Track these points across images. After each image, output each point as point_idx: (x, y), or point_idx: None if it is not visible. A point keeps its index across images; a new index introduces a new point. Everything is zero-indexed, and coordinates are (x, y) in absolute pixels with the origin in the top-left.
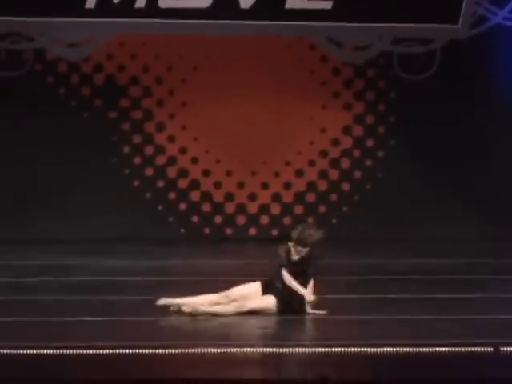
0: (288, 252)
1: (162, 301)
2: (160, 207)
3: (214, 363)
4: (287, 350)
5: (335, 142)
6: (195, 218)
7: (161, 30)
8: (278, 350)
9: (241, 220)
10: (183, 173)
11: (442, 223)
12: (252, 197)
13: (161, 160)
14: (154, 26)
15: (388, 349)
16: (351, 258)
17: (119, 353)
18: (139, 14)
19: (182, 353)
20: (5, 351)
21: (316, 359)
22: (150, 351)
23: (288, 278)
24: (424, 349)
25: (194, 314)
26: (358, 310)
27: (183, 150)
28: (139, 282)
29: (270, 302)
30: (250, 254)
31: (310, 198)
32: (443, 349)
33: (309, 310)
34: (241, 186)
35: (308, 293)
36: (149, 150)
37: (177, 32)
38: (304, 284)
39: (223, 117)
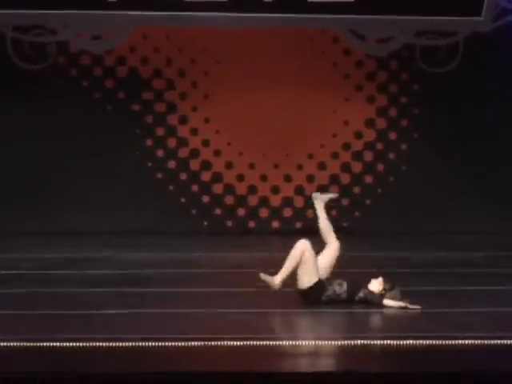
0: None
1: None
2: (183, 200)
3: (238, 356)
4: (312, 342)
5: (358, 135)
6: (218, 211)
7: (183, 23)
8: (302, 342)
9: (264, 213)
10: (206, 165)
11: (465, 216)
12: (275, 190)
13: (184, 152)
14: (176, 18)
15: (411, 341)
16: (374, 250)
17: (143, 345)
18: (162, 7)
19: (206, 345)
20: (29, 344)
21: (340, 352)
22: (174, 344)
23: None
24: (448, 341)
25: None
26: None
27: (206, 143)
28: (162, 275)
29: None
30: (273, 246)
31: (333, 190)
32: (467, 342)
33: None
34: (264, 178)
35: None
36: (172, 143)
37: (199, 25)
38: None
39: (246, 109)
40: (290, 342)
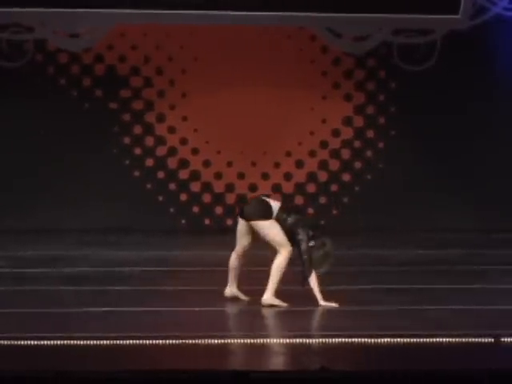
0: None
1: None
2: (160, 198)
3: (214, 354)
4: (289, 340)
5: (336, 133)
6: (196, 209)
7: (160, 20)
8: (279, 340)
9: None
10: (184, 163)
11: (442, 214)
12: (252, 187)
13: (161, 151)
14: (153, 16)
15: (388, 339)
16: (351, 248)
17: (121, 343)
18: (139, 4)
19: (183, 343)
20: (6, 342)
21: (317, 350)
22: (152, 342)
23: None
24: (424, 339)
25: None
26: (359, 300)
27: (184, 141)
28: (140, 273)
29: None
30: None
31: (311, 188)
32: (443, 339)
33: (321, 302)
34: (241, 176)
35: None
36: (149, 141)
37: (176, 22)
38: None
39: (223, 107)
40: (266, 340)
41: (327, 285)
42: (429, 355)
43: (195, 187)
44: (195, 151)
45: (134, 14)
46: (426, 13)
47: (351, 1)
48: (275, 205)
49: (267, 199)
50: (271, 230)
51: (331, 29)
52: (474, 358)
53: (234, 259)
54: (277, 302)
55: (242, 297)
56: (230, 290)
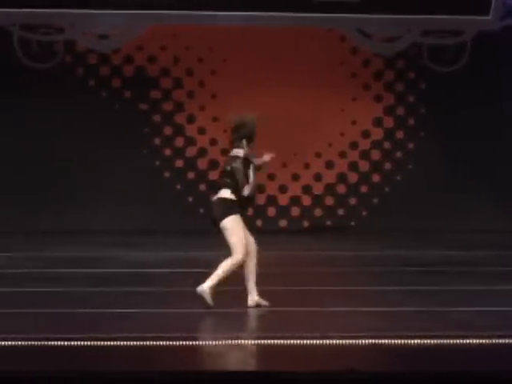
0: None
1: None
2: (190, 199)
3: (241, 355)
4: (316, 341)
5: (366, 134)
6: None
7: (191, 21)
8: (307, 341)
9: (271, 212)
10: (214, 164)
11: (471, 215)
12: (283, 188)
13: (191, 151)
14: (184, 17)
15: (416, 341)
16: (381, 249)
17: (148, 344)
18: (170, 6)
19: (209, 345)
20: (35, 343)
21: (344, 351)
22: (180, 343)
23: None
24: (453, 341)
25: None
26: (387, 301)
27: (213, 142)
28: (169, 274)
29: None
30: (281, 245)
31: (341, 189)
32: (472, 341)
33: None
34: (271, 177)
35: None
36: (179, 142)
37: (207, 23)
38: None
39: (253, 108)
40: (294, 341)
41: (357, 285)
42: (458, 356)
43: None
44: (225, 152)
45: (165, 14)
46: (456, 14)
47: (381, 2)
48: (226, 193)
49: (220, 197)
50: (234, 232)
51: (361, 30)
52: (503, 360)
53: (246, 266)
54: (263, 302)
55: (264, 303)
56: (252, 298)
